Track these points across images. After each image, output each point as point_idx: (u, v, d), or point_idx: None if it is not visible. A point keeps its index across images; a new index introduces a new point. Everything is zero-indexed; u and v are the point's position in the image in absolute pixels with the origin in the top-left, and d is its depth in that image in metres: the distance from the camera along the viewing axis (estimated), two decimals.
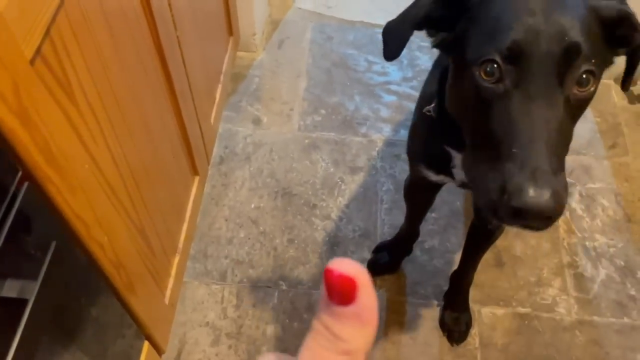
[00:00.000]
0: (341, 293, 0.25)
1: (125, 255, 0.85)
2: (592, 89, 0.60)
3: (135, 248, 0.90)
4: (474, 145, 0.64)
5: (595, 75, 0.59)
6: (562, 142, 0.58)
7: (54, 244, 0.60)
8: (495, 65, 0.58)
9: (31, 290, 0.52)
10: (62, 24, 0.62)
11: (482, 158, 0.61)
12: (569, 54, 0.57)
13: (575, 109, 0.60)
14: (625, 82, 0.68)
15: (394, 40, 0.67)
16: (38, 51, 0.57)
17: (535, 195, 0.53)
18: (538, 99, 0.57)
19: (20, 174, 0.56)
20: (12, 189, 0.55)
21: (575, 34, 0.58)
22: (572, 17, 0.59)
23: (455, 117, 0.70)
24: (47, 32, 0.58)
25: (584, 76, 0.58)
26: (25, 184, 0.57)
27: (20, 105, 0.53)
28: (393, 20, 0.68)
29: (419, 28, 0.67)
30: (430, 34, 0.69)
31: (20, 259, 0.55)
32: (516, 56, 0.58)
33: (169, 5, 0.98)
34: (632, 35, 0.62)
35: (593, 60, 0.58)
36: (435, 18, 0.65)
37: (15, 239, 0.54)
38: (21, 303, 0.53)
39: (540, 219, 0.55)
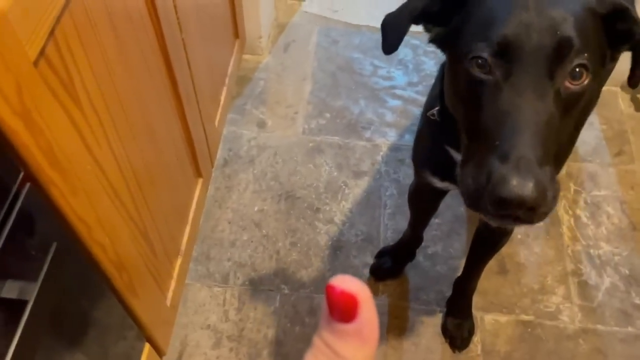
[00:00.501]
0: (343, 310, 0.25)
1: (127, 256, 0.85)
2: (585, 82, 0.60)
3: (137, 249, 0.90)
4: (468, 140, 0.65)
5: (589, 69, 0.59)
6: (551, 135, 0.58)
7: (54, 245, 0.60)
8: (486, 60, 0.59)
9: (31, 292, 0.52)
10: (67, 25, 0.62)
11: (473, 152, 0.62)
12: (561, 48, 0.58)
13: (569, 103, 0.60)
14: (631, 79, 0.68)
15: (392, 33, 0.68)
16: (42, 52, 0.57)
17: (517, 184, 0.53)
18: (527, 92, 0.57)
19: (22, 175, 0.56)
20: (14, 189, 0.55)
21: (568, 28, 0.58)
22: (565, 11, 0.59)
23: (452, 112, 0.70)
24: (52, 33, 0.59)
25: (577, 69, 0.59)
26: (27, 185, 0.57)
27: (24, 107, 0.53)
28: (392, 13, 0.69)
29: (417, 22, 0.68)
30: (427, 29, 0.70)
31: (21, 260, 0.55)
32: (505, 51, 0.58)
33: (175, 7, 0.98)
34: (632, 29, 0.63)
35: (586, 55, 0.59)
36: (432, 12, 0.66)
37: (16, 240, 0.54)
38: (21, 304, 0.53)
39: (523, 209, 0.55)
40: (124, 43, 0.79)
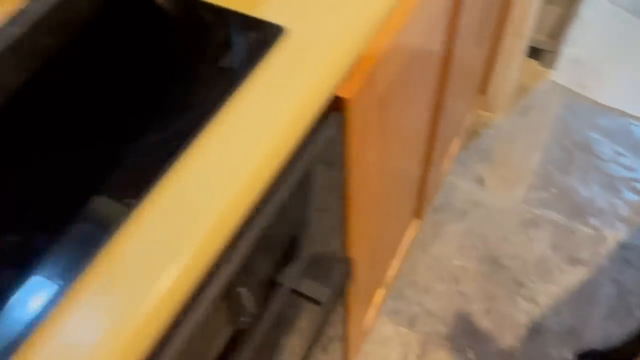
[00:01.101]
0: None
1: (359, 274, 0.90)
2: None
3: (364, 270, 0.95)
4: None
5: None
6: None
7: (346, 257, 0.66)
8: None
9: (324, 295, 0.58)
10: (389, 69, 0.69)
11: None
12: None
13: None
14: None
15: None
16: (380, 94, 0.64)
17: None
18: None
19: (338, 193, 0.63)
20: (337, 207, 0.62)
21: None
22: None
23: None
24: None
25: None
26: (341, 203, 0.64)
27: (363, 134, 0.60)
28: None
29: None
30: None
31: (323, 266, 0.62)
32: None
33: (460, 58, 1.03)
34: None
35: None
36: None
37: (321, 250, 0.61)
38: (314, 302, 0.59)
39: None
40: (418, 84, 0.85)
